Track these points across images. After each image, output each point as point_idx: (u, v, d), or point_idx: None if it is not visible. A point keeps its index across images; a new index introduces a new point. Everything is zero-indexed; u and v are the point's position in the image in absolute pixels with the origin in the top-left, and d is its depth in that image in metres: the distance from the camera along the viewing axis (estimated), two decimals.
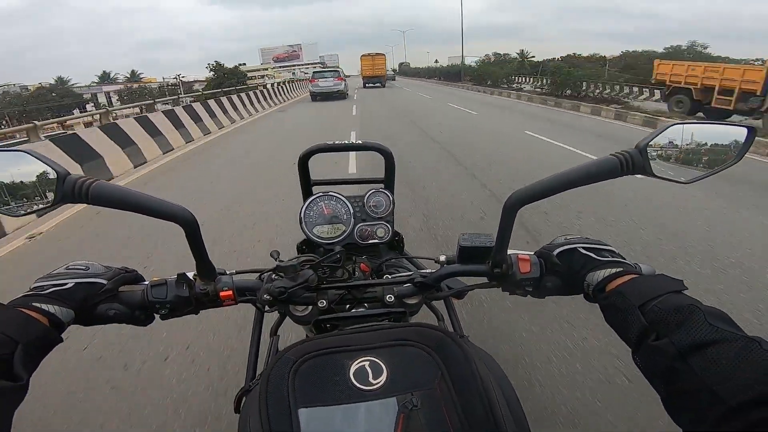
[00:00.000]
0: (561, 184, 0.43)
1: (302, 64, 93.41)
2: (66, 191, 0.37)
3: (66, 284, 0.42)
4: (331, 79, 15.16)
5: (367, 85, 26.99)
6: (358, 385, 0.38)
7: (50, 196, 0.37)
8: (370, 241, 0.74)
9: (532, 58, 38.25)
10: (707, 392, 0.29)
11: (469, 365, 0.38)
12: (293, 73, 65.69)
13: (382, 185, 0.78)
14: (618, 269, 0.42)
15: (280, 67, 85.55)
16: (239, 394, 0.49)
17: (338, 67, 16.75)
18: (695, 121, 0.47)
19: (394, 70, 61.25)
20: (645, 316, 0.36)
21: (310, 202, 0.73)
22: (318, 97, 15.15)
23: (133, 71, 61.70)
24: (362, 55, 27.15)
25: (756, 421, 0.27)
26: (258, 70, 75.74)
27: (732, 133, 0.44)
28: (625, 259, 0.46)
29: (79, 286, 0.42)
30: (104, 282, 0.44)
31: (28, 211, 0.39)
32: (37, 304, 0.38)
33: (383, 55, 27.61)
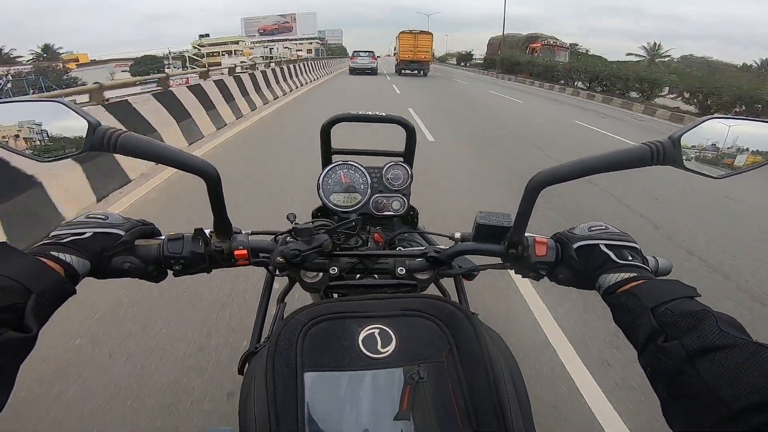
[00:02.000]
0: (588, 168, 0.53)
1: (296, 39, 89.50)
2: (96, 140, 0.47)
3: (84, 233, 0.51)
4: (367, 58, 25.17)
5: (403, 71, 25.23)
6: (366, 352, 0.47)
7: (80, 144, 0.47)
8: (385, 213, 0.88)
9: (665, 57, 32.78)
10: (710, 396, 0.36)
11: (478, 342, 0.48)
12: (270, 50, 59.03)
13: (401, 159, 0.93)
14: (631, 274, 0.52)
15: (268, 41, 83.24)
16: (244, 356, 0.59)
17: (372, 51, 26.43)
18: (733, 116, 0.57)
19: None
20: (656, 318, 0.44)
21: (329, 170, 0.88)
22: (356, 71, 24.84)
23: (46, 45, 51.53)
24: (401, 32, 25.25)
25: (757, 425, 0.33)
26: (225, 43, 70.73)
27: None
28: (645, 257, 0.57)
29: (97, 236, 0.52)
30: (122, 233, 0.54)
31: (57, 156, 0.49)
32: (55, 253, 0.47)
33: (430, 34, 25.32)
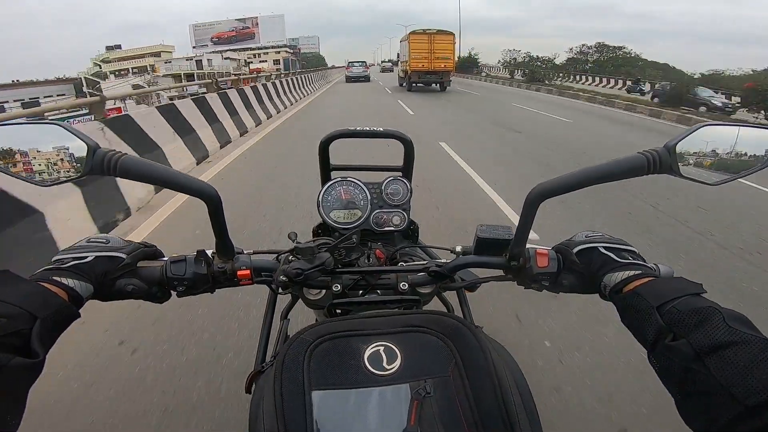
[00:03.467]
0: (586, 180, 0.63)
1: (259, 49, 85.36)
2: (95, 163, 0.55)
3: (86, 257, 0.60)
4: (361, 67, 34.88)
5: (416, 84, 22.27)
6: (371, 369, 0.55)
7: (79, 167, 0.56)
8: (386, 228, 1.01)
9: None
10: (722, 393, 0.41)
11: (483, 355, 0.56)
12: (200, 64, 49.92)
13: (400, 173, 1.08)
14: (636, 272, 0.60)
15: (225, 51, 78.54)
16: (251, 376, 0.67)
17: (365, 61, 37.61)
18: (726, 123, 0.67)
19: (390, 61, 62.88)
20: (663, 317, 0.51)
21: (328, 187, 1.02)
22: (351, 78, 33.43)
23: None
24: (411, 33, 21.48)
25: None
26: (142, 56, 60.40)
27: (765, 134, 0.65)
28: (645, 260, 0.66)
29: (99, 260, 0.60)
30: (123, 256, 0.63)
31: (57, 181, 0.57)
32: (57, 278, 0.55)
33: (451, 34, 21.60)
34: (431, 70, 20.99)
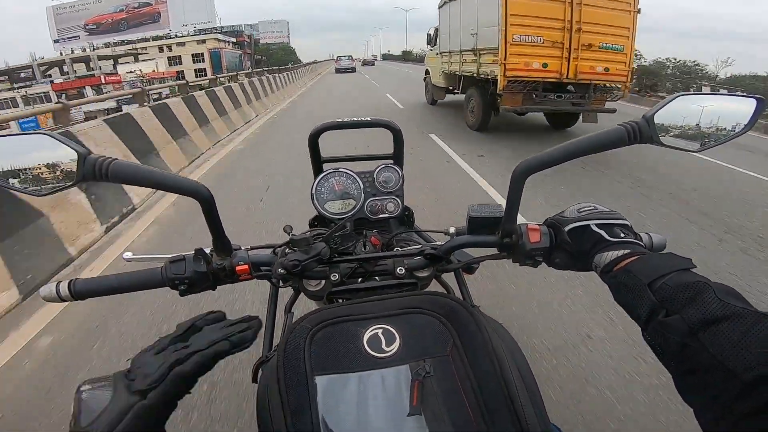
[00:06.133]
0: (569, 153, 0.82)
1: (171, 40, 66.57)
2: (87, 170, 0.72)
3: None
4: (348, 60, 56.55)
5: (496, 113, 10.17)
6: (371, 352, 0.72)
7: (72, 175, 0.72)
8: (381, 216, 1.28)
9: None
10: (719, 369, 0.51)
11: (480, 333, 0.72)
12: None
13: (391, 161, 1.35)
14: (625, 251, 0.75)
15: (111, 45, 62.42)
16: (256, 365, 0.86)
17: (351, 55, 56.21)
18: (701, 93, 0.84)
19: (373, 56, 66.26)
20: (654, 294, 0.63)
21: (321, 179, 1.28)
22: (341, 71, 52.38)
23: None
24: None
25: None
26: None
27: (740, 103, 0.84)
28: (637, 234, 0.83)
29: None
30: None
31: (52, 190, 0.73)
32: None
33: None
34: (571, 79, 9.58)
